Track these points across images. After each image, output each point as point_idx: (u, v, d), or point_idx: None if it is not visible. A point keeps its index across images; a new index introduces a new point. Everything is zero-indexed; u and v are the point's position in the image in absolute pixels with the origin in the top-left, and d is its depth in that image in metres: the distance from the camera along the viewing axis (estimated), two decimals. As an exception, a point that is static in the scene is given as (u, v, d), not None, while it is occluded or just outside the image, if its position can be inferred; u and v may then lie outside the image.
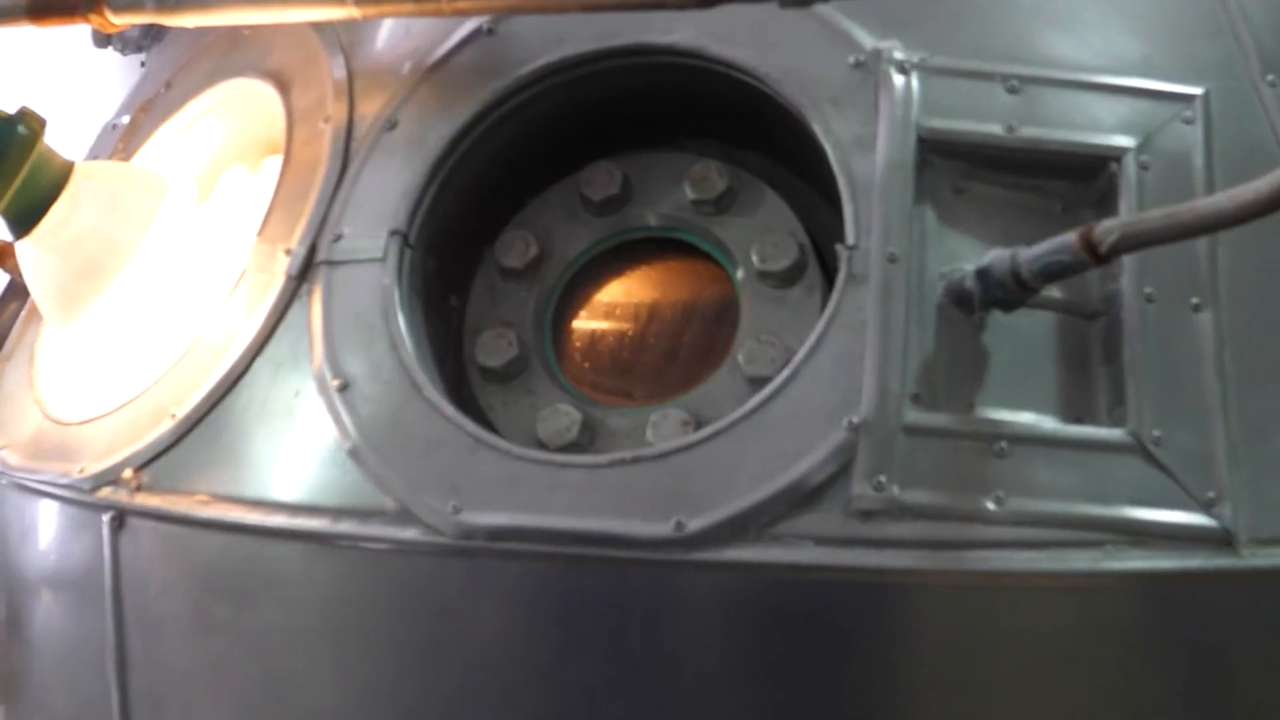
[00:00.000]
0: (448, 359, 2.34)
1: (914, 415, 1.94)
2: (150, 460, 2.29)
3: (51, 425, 2.52)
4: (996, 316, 2.03)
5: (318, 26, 2.51)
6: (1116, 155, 2.09)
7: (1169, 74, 2.16)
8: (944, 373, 2.00)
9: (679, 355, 2.32)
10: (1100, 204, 2.11)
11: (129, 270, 2.41)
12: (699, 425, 2.11)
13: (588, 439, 2.20)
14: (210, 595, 2.26)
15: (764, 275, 2.23)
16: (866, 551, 1.91)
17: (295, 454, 2.18)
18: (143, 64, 3.22)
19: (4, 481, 2.61)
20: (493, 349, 2.30)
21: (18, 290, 2.94)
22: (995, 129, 2.10)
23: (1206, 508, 1.93)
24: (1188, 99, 2.13)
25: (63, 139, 2.47)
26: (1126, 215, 2.02)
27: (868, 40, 2.15)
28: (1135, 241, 1.81)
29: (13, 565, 2.67)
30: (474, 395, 2.32)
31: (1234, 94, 2.15)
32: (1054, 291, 2.02)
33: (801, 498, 1.93)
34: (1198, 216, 1.73)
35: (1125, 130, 2.11)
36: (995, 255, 1.96)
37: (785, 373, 1.99)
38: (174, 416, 2.28)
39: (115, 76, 3.45)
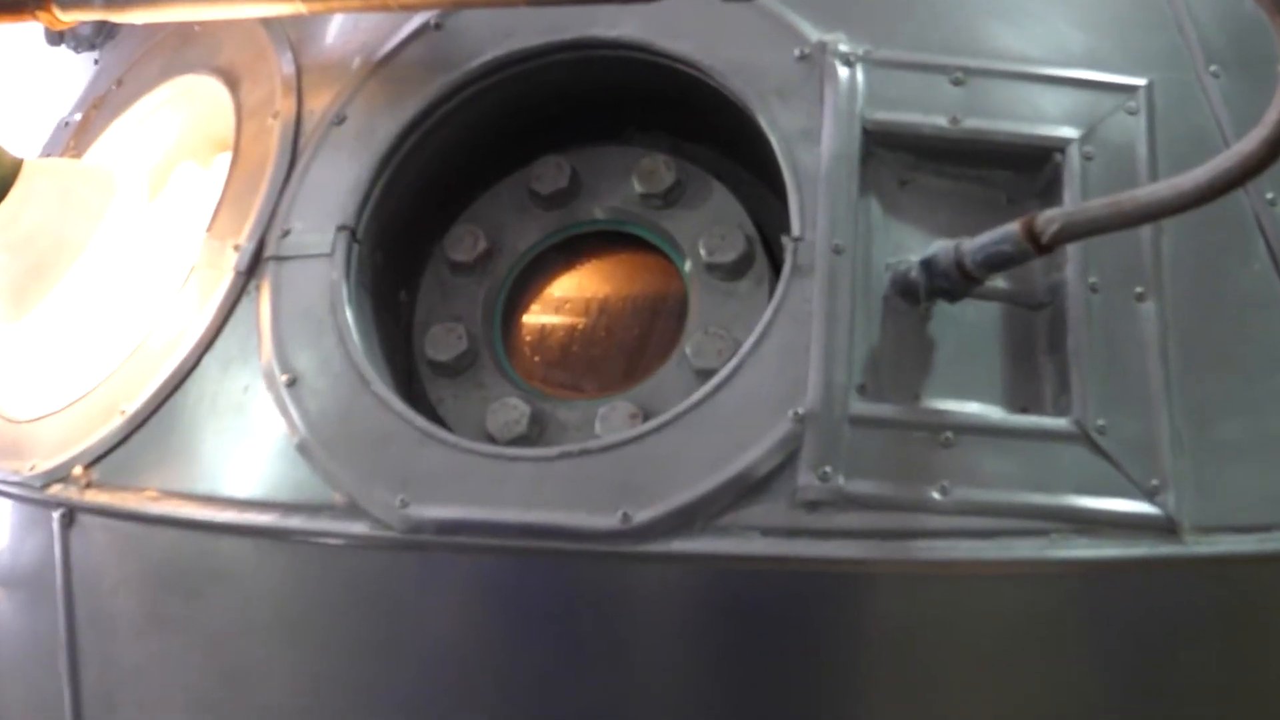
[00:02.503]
0: (398, 354, 2.34)
1: (859, 406, 1.95)
2: (100, 457, 2.28)
3: (2, 423, 2.52)
4: (942, 307, 2.04)
5: (266, 22, 2.51)
6: (1061, 146, 2.11)
7: (1113, 65, 2.18)
8: (889, 363, 2.01)
9: (628, 348, 2.32)
10: (1045, 194, 2.12)
11: (79, 267, 2.41)
12: (647, 417, 2.12)
13: (536, 432, 2.21)
14: (161, 591, 2.26)
15: (712, 268, 2.23)
16: (812, 542, 1.92)
17: (245, 449, 2.18)
18: (96, 62, 3.21)
19: (-44, 480, 2.60)
20: (442, 343, 2.31)
21: (-30, 288, 2.93)
22: (940, 121, 2.12)
23: (1150, 496, 1.94)
24: (1131, 90, 2.15)
25: (17, 136, 2.46)
26: (1070, 205, 2.03)
27: (813, 33, 2.16)
28: (1077, 231, 1.82)
29: (-34, 563, 2.67)
30: (424, 390, 2.32)
31: (1177, 85, 2.17)
32: (999, 282, 2.04)
33: (747, 489, 1.94)
34: (1138, 205, 1.74)
35: (1069, 121, 2.12)
36: (940, 246, 1.97)
37: (731, 364, 2.00)
38: (124, 413, 2.27)
39: (69, 75, 3.44)
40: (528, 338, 2.38)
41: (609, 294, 2.38)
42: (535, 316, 2.40)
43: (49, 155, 2.92)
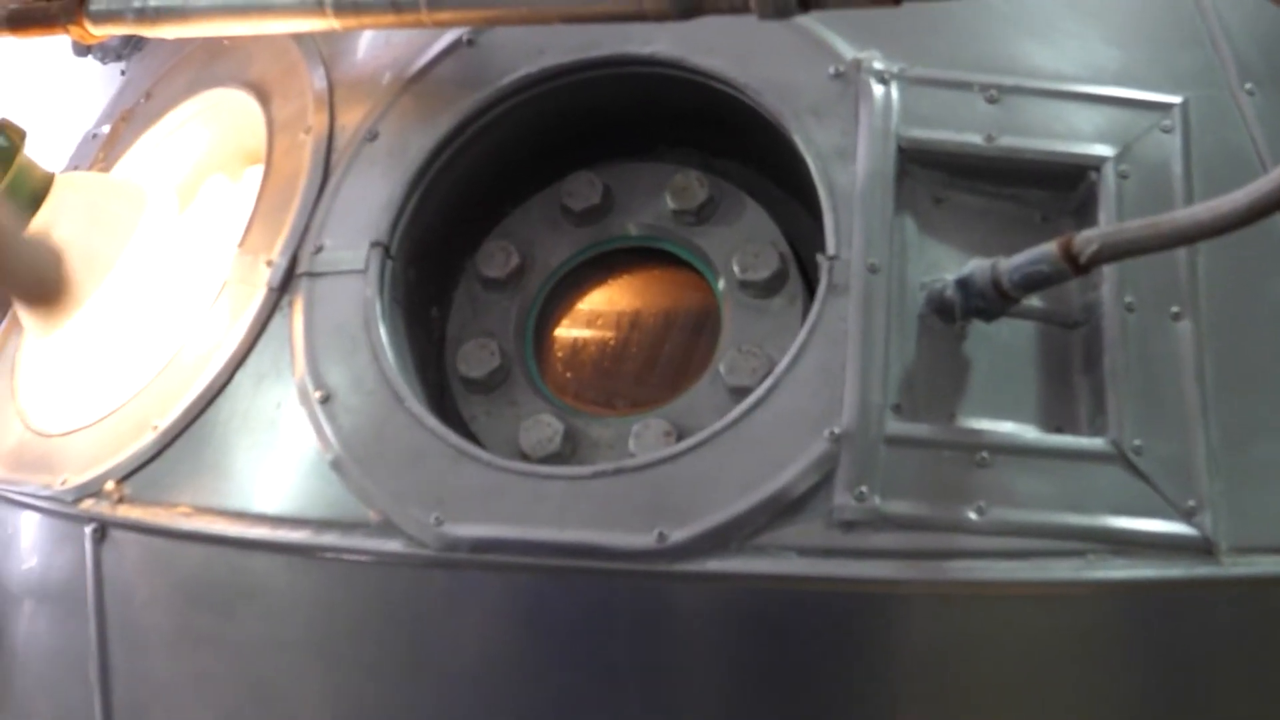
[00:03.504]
0: (429, 370, 2.34)
1: (895, 426, 1.95)
2: (132, 472, 2.28)
3: (33, 437, 2.52)
4: (977, 326, 2.04)
5: (298, 38, 2.51)
6: (1095, 164, 2.10)
7: (1148, 83, 2.17)
8: (925, 383, 2.01)
9: (660, 365, 2.32)
10: (1079, 213, 2.12)
11: (110, 282, 2.41)
12: (680, 436, 2.12)
13: (569, 449, 2.20)
14: (193, 607, 2.25)
15: (745, 285, 2.23)
16: (848, 562, 1.91)
17: (277, 466, 2.17)
18: (123, 73, 3.21)
19: (-14, 494, 2.60)
20: (475, 359, 2.30)
21: (-1, 303, 2.93)
22: (975, 138, 2.11)
23: (1187, 516, 1.93)
24: (1166, 108, 2.14)
25: (43, 148, 2.46)
26: (1106, 225, 2.03)
27: (847, 50, 2.16)
28: (1115, 252, 1.81)
29: (-5, 577, 2.67)
30: (456, 406, 2.32)
31: (1212, 103, 2.16)
32: (1034, 301, 2.03)
33: (783, 508, 1.93)
34: (1176, 228, 1.73)
35: (1104, 139, 2.12)
36: (976, 265, 1.97)
37: (767, 383, 1.99)
38: (156, 428, 2.27)
39: (95, 85, 3.44)
40: (560, 354, 2.38)
41: (641, 310, 2.38)
42: (567, 332, 2.39)
43: (76, 167, 2.92)
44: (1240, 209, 1.65)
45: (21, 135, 2.35)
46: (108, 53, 3.22)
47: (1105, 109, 2.14)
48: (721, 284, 2.27)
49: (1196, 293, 2.04)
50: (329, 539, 2.09)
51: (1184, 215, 1.73)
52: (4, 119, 2.35)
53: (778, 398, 1.98)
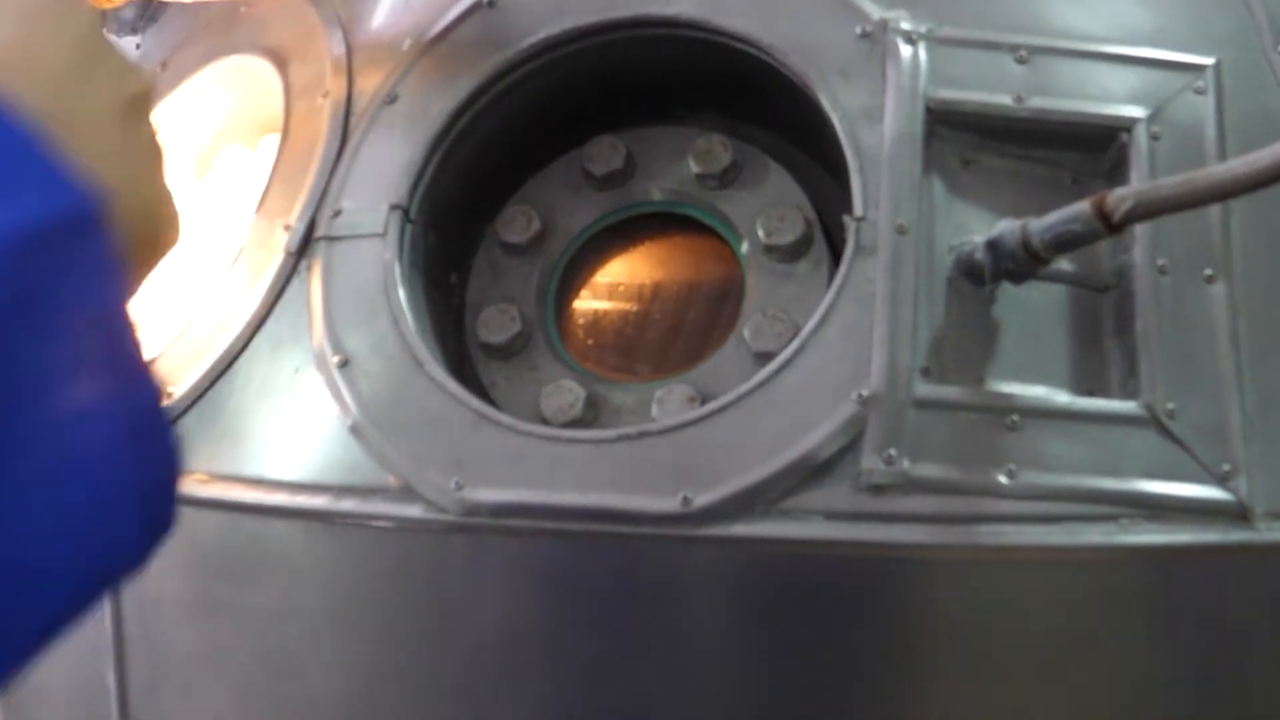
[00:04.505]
0: (448, 336, 2.31)
1: (924, 388, 1.91)
2: (148, 439, 2.25)
3: (47, 406, 2.49)
4: (1005, 289, 2.00)
5: (315, 2, 2.49)
6: (1127, 126, 2.06)
7: (1180, 44, 2.14)
8: (953, 346, 1.98)
9: (683, 331, 2.29)
10: (1111, 175, 2.08)
11: (126, 249, 2.37)
12: (704, 401, 2.09)
13: (591, 415, 2.18)
14: (209, 575, 2.22)
15: (770, 249, 2.20)
16: (877, 526, 1.88)
17: (295, 432, 2.15)
18: (137, 46, 3.19)
19: (-1, 463, 2.57)
20: (495, 325, 2.27)
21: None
22: (1004, 99, 2.08)
23: (1221, 481, 1.90)
24: (1199, 69, 2.11)
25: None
26: (1139, 184, 1.99)
27: (874, 10, 2.12)
28: (1149, 209, 1.78)
29: (8, 549, 2.64)
30: (475, 372, 2.29)
31: (1246, 64, 2.13)
32: (1064, 264, 2.00)
33: (810, 472, 1.90)
34: (1212, 183, 1.70)
35: (1136, 100, 2.08)
36: (1005, 226, 1.93)
37: (793, 346, 1.96)
38: (171, 395, 2.24)
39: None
40: (581, 320, 2.35)
41: (663, 276, 2.35)
42: (588, 298, 2.36)
43: (91, 139, 2.89)
44: (1278, 161, 1.62)
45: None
46: (122, 26, 3.19)
47: (1137, 70, 2.11)
48: (745, 248, 2.24)
49: (1230, 255, 2.01)
50: (348, 505, 2.06)
51: (1220, 170, 1.70)
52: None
53: (804, 360, 1.95)
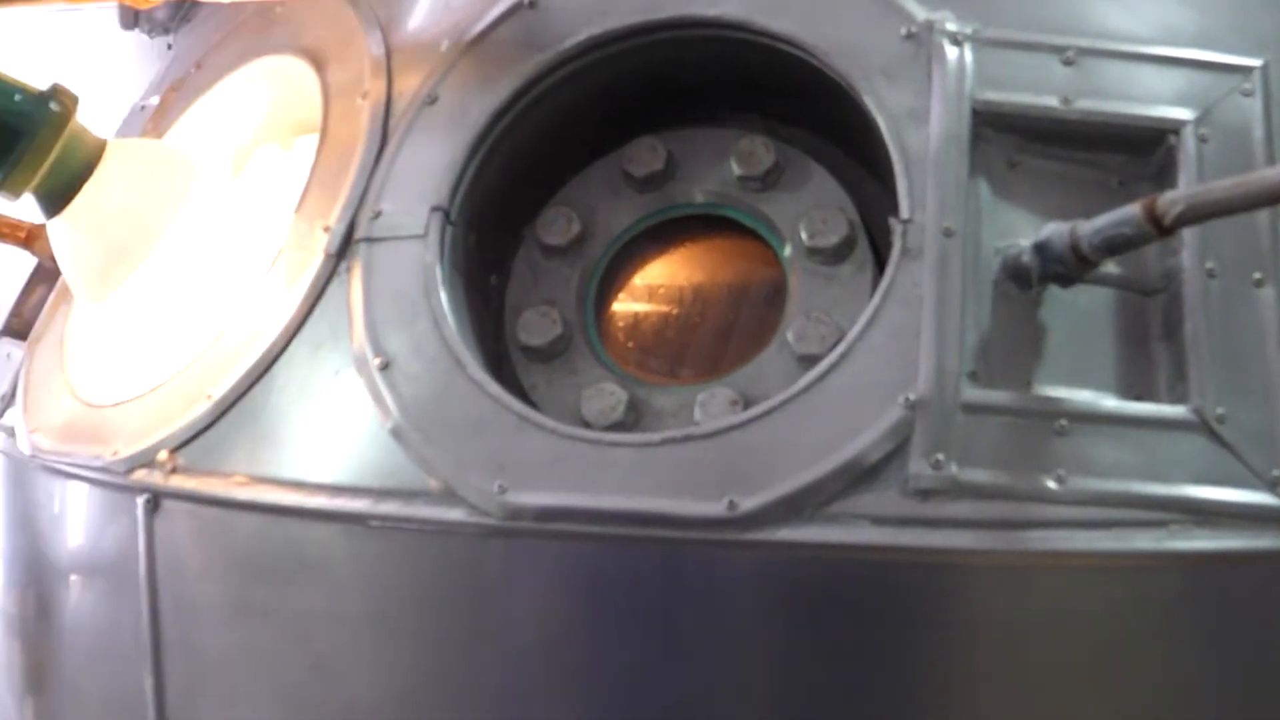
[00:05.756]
0: (488, 338, 2.30)
1: (972, 393, 1.90)
2: (186, 442, 2.24)
3: (83, 408, 2.48)
4: (1053, 292, 1.99)
5: (354, 2, 2.48)
6: (1175, 128, 2.05)
7: (1227, 45, 2.12)
8: (1001, 349, 1.96)
9: (725, 334, 2.27)
10: (1158, 177, 2.07)
11: (161, 249, 2.37)
12: (747, 404, 2.08)
13: (633, 418, 2.16)
14: (248, 579, 2.22)
15: (813, 252, 2.18)
16: (925, 531, 1.87)
17: (335, 434, 2.14)
18: (169, 46, 3.19)
19: (35, 465, 2.57)
20: (535, 327, 2.26)
21: (45, 274, 2.91)
22: (1050, 101, 2.06)
23: (1272, 486, 1.89)
24: (1246, 71, 2.09)
25: (89, 121, 2.43)
26: (1189, 187, 1.97)
27: (919, 11, 2.11)
28: (1201, 212, 1.76)
29: (42, 552, 2.64)
30: (516, 375, 2.28)
31: (1293, 66, 2.11)
32: (1112, 267, 1.98)
33: (858, 476, 1.89)
34: (1265, 184, 1.68)
35: (1183, 102, 2.07)
36: (1054, 229, 1.92)
37: (840, 349, 1.95)
38: (210, 397, 2.24)
39: (139, 60, 3.41)
40: (621, 322, 2.34)
41: (704, 278, 2.33)
42: (629, 301, 2.35)
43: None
44: (1333, 162, 1.61)
45: (74, 100, 2.31)
46: (155, 26, 3.20)
47: (1184, 71, 2.09)
48: (788, 251, 2.23)
49: (1279, 259, 1.99)
50: (389, 508, 2.05)
51: (1272, 173, 1.68)
52: (57, 84, 2.31)
53: (850, 364, 1.94)
